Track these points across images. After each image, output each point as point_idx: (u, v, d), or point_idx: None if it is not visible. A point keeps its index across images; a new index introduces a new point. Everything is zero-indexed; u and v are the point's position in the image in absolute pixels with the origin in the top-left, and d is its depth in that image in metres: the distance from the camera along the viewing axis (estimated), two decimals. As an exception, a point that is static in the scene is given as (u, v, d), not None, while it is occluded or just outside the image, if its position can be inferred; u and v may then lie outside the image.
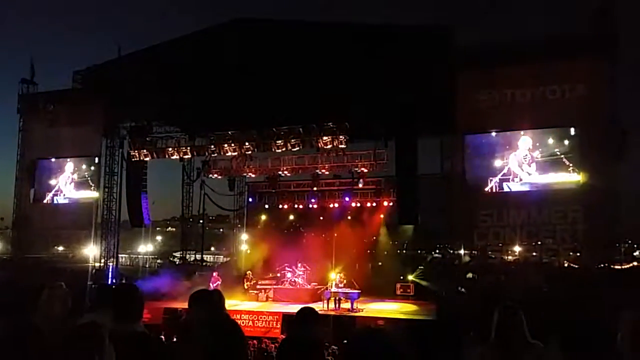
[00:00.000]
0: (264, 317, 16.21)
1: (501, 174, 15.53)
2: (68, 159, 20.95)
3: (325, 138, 17.82)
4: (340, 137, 17.63)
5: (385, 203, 23.03)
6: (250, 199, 27.40)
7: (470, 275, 15.85)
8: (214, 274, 20.39)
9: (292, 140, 18.44)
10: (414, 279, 21.47)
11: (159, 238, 44.44)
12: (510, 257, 16.02)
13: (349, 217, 24.06)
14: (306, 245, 23.10)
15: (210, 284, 18.15)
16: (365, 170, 20.59)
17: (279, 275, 21.39)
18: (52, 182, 21.19)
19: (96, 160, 20.53)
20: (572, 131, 14.92)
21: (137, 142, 20.36)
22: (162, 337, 11.23)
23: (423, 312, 17.21)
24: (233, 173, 22.94)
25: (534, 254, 15.28)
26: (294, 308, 4.88)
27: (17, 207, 21.58)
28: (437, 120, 16.45)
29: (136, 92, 18.66)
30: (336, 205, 24.20)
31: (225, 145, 19.36)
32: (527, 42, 15.61)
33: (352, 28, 17.11)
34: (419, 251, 23.99)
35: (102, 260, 20.56)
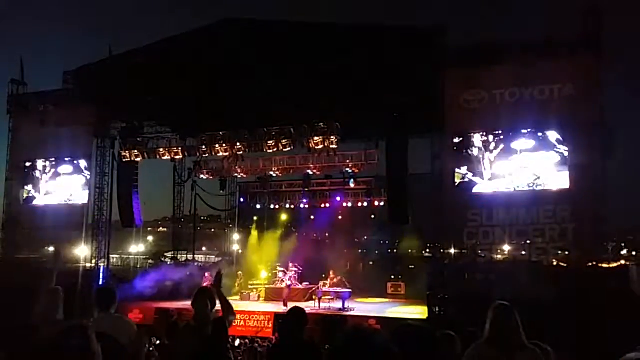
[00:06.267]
0: (256, 317, 16.27)
1: (491, 173, 15.67)
2: (59, 160, 20.88)
3: (316, 138, 17.87)
4: (332, 137, 17.68)
5: (377, 203, 23.15)
6: (241, 200, 27.44)
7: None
8: (206, 274, 20.38)
9: (283, 141, 18.48)
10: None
11: (150, 238, 44.35)
12: (499, 257, 16.15)
13: (340, 217, 24.16)
14: (298, 245, 23.17)
15: (203, 285, 18.15)
16: (357, 170, 20.70)
17: (270, 274, 21.45)
18: (43, 182, 21.11)
19: (87, 161, 20.51)
20: (561, 131, 15.07)
21: (128, 143, 20.32)
22: (152, 338, 11.25)
23: (414, 311, 17.35)
24: (224, 173, 22.97)
25: (523, 253, 15.41)
26: (286, 308, 4.94)
27: (8, 208, 21.50)
28: (427, 120, 16.57)
29: (127, 92, 18.63)
30: (327, 205, 24.30)
31: (217, 145, 19.36)
32: (516, 42, 15.74)
33: (341, 28, 17.17)
34: (410, 250, 24.11)
35: (93, 261, 20.51)
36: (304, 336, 4.71)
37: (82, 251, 20.00)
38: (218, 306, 4.67)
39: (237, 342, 13.51)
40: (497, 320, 3.60)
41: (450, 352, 3.76)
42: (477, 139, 15.86)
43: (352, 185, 21.89)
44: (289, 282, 19.12)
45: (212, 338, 4.31)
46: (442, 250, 17.08)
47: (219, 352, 4.44)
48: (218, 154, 19.94)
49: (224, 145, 19.28)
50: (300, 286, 20.18)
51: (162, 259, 31.21)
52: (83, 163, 20.58)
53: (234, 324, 15.53)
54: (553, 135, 15.11)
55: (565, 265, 15.16)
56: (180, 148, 20.12)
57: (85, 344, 2.49)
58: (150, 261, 35.11)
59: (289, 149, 18.95)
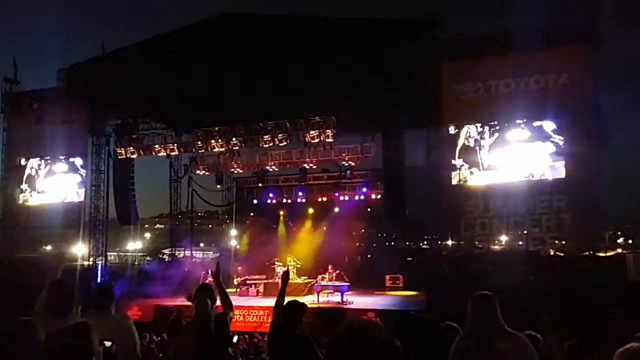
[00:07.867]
0: (255, 312, 16.29)
1: (487, 164, 15.69)
2: (54, 158, 20.81)
3: (312, 132, 17.87)
4: (327, 131, 17.69)
5: (373, 196, 23.15)
6: (239, 195, 27.37)
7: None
8: (209, 270, 20.27)
9: (279, 135, 18.47)
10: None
11: (147, 235, 44.22)
12: (497, 247, 16.20)
13: (337, 211, 24.15)
14: (295, 239, 23.17)
15: (203, 281, 18.13)
16: (353, 164, 20.68)
17: (269, 269, 21.45)
18: (38, 181, 21.04)
19: (82, 158, 20.45)
20: (557, 120, 15.08)
21: (123, 140, 20.29)
22: (152, 334, 11.25)
23: (412, 303, 17.39)
24: (220, 169, 22.92)
25: (520, 243, 15.46)
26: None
27: (4, 207, 21.43)
28: (422, 112, 16.57)
29: (121, 89, 18.55)
30: (324, 199, 24.28)
31: (212, 141, 19.34)
32: (510, 32, 15.70)
33: (337, 22, 17.13)
34: (407, 243, 24.16)
35: (91, 259, 20.50)
36: (296, 328, 4.75)
37: (80, 249, 19.97)
38: (217, 302, 4.68)
39: (235, 339, 13.45)
40: (473, 310, 3.61)
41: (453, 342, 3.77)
42: (473, 130, 15.87)
43: (348, 176, 21.86)
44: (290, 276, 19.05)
45: (215, 334, 4.33)
46: (439, 242, 17.13)
47: (221, 348, 4.45)
48: (214, 150, 19.93)
49: (220, 140, 19.27)
50: (298, 280, 20.20)
51: (160, 256, 31.20)
52: (78, 161, 20.50)
53: (233, 319, 15.56)
54: (548, 125, 15.12)
55: (562, 254, 15.23)
56: (175, 144, 20.11)
57: (85, 344, 2.48)
58: (147, 258, 35.07)
59: (285, 143, 18.95)
